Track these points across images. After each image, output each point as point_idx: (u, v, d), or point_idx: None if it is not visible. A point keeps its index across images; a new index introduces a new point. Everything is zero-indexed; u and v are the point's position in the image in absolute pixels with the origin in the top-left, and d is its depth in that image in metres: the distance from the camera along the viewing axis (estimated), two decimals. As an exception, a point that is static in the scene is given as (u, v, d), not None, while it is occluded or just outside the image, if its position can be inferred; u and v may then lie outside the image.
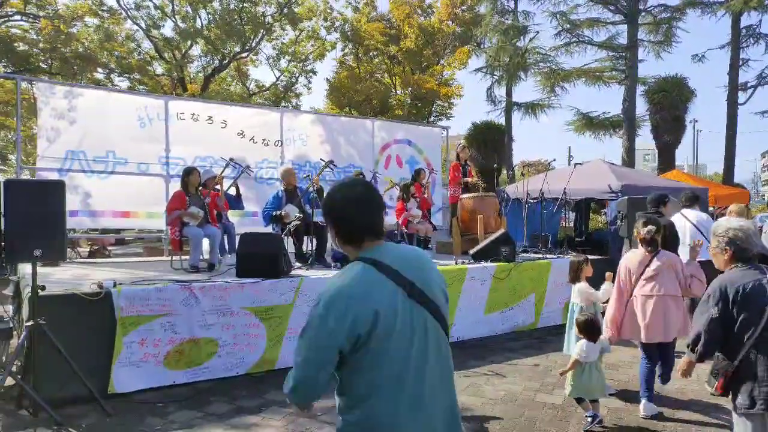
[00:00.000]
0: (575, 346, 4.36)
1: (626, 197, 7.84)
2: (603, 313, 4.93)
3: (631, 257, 4.57)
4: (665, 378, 4.66)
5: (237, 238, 6.81)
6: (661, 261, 4.39)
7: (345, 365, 1.69)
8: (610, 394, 4.93)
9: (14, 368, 4.40)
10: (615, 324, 4.54)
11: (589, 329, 4.30)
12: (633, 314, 4.45)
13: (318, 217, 7.27)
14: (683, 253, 5.63)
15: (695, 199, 7.19)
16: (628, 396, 4.95)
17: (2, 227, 4.17)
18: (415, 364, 1.70)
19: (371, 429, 1.68)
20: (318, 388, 1.68)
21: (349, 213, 1.78)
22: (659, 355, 4.55)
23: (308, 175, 8.06)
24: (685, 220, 6.93)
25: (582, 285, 5.06)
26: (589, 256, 6.10)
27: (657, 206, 6.35)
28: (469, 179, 9.37)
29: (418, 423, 1.70)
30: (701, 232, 6.85)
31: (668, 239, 6.06)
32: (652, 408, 4.47)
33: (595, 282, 5.20)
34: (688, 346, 2.86)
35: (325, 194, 1.86)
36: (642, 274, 4.41)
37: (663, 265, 4.37)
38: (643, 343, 4.50)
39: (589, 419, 4.26)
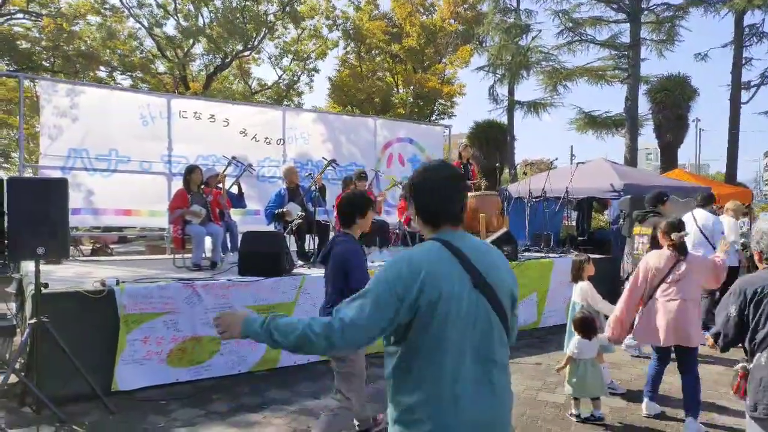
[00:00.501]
0: (570, 342, 4.38)
1: (628, 196, 7.84)
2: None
3: (654, 258, 4.33)
4: (694, 409, 4.10)
5: (239, 237, 6.82)
6: (688, 265, 4.19)
7: (405, 345, 1.67)
8: (617, 393, 4.94)
9: (17, 366, 4.41)
10: (620, 324, 4.34)
11: (585, 327, 4.33)
12: (650, 317, 4.26)
13: (320, 216, 7.27)
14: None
15: (709, 200, 7.14)
16: (631, 395, 4.95)
17: (5, 225, 4.18)
18: (480, 354, 1.68)
19: (433, 417, 1.64)
20: (361, 339, 1.65)
21: (429, 195, 1.78)
22: (684, 371, 4.22)
23: (310, 174, 8.06)
24: (693, 221, 6.93)
25: (584, 284, 5.06)
26: (591, 255, 6.12)
27: (655, 204, 6.38)
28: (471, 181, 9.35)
29: (484, 414, 1.67)
30: (704, 235, 6.83)
31: (657, 239, 6.10)
32: (654, 407, 4.46)
33: (597, 281, 5.21)
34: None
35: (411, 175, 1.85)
36: (666, 277, 4.21)
37: (689, 270, 4.18)
38: (658, 346, 4.33)
39: (573, 418, 4.33)
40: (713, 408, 4.64)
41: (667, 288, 4.21)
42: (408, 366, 1.69)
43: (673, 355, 4.37)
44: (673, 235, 4.25)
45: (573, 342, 4.35)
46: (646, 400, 4.48)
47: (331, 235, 7.59)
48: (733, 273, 6.19)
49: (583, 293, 5.02)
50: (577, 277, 5.13)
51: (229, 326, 1.73)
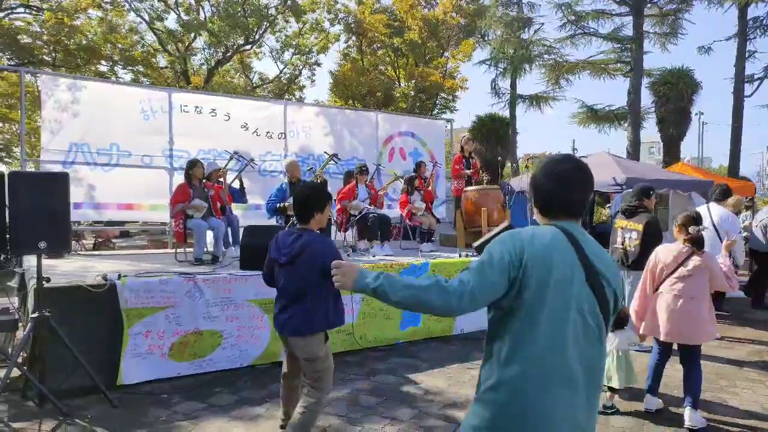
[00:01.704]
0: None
1: (630, 190, 7.79)
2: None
3: (665, 252, 4.28)
4: (692, 400, 4.10)
5: (241, 231, 6.82)
6: (697, 262, 4.11)
7: (509, 332, 1.68)
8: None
9: (20, 359, 4.43)
10: (638, 317, 4.37)
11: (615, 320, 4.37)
12: (654, 310, 4.24)
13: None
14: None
15: (726, 194, 6.91)
16: (629, 390, 4.94)
17: (7, 219, 4.18)
18: (576, 344, 1.66)
19: (535, 410, 1.63)
20: (481, 299, 1.65)
21: (547, 186, 1.80)
22: (686, 364, 4.21)
23: (312, 168, 8.07)
24: (708, 216, 6.66)
25: None
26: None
27: (641, 198, 6.10)
28: (469, 171, 9.32)
29: (580, 416, 1.66)
30: (717, 233, 6.57)
31: (650, 236, 5.86)
32: (655, 401, 4.42)
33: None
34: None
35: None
36: (674, 271, 4.16)
37: (701, 268, 4.10)
38: (658, 341, 4.32)
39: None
40: (715, 402, 4.63)
41: (675, 283, 4.16)
42: (503, 346, 1.70)
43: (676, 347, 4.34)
44: (690, 229, 4.19)
45: (610, 335, 4.38)
46: (647, 394, 4.45)
47: (333, 228, 7.60)
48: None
49: None
50: None
51: (345, 275, 1.75)
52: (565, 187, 1.79)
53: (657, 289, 4.26)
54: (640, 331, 4.38)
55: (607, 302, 1.71)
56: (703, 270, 4.11)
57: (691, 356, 4.18)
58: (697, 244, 4.15)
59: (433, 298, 1.62)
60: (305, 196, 3.44)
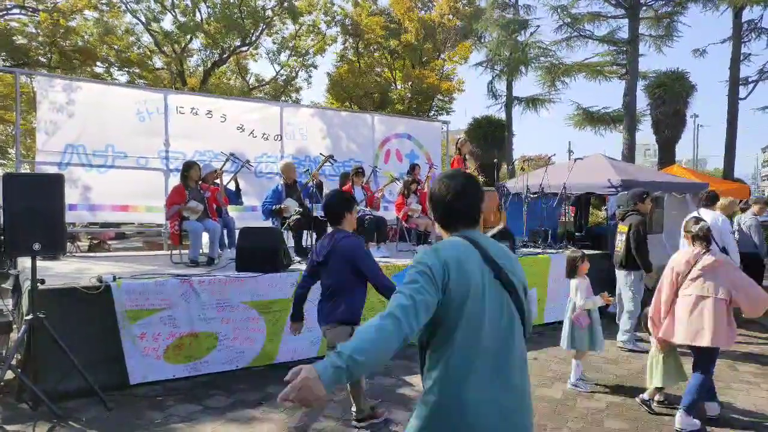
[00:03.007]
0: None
1: (626, 192, 7.82)
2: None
3: (678, 258, 4.37)
4: (688, 401, 4.13)
5: (237, 233, 6.81)
6: (708, 261, 4.15)
7: (437, 337, 1.78)
8: (583, 391, 4.98)
9: (14, 362, 4.41)
10: (653, 323, 4.42)
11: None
12: (672, 314, 4.29)
13: (318, 212, 7.26)
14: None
15: (714, 199, 7.04)
16: (627, 391, 4.96)
17: (1, 221, 4.17)
18: (504, 344, 1.81)
19: (460, 402, 1.74)
20: (421, 319, 1.67)
21: (446, 200, 1.93)
22: (695, 368, 4.22)
23: (308, 170, 8.05)
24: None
25: (574, 281, 5.09)
26: (588, 252, 6.14)
27: (635, 202, 6.43)
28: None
29: (509, 401, 1.78)
30: (712, 237, 6.72)
31: (632, 236, 6.20)
32: (714, 407, 4.38)
33: (594, 276, 5.23)
34: None
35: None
36: (688, 274, 4.21)
37: (710, 265, 4.13)
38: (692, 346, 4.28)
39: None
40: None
41: (689, 286, 4.20)
42: (438, 359, 1.79)
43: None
44: (693, 227, 4.32)
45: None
46: (708, 402, 4.38)
47: (329, 230, 7.60)
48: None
49: (572, 289, 5.06)
50: (571, 273, 5.15)
51: (302, 389, 1.44)
52: (461, 198, 1.92)
53: (676, 295, 4.29)
54: (659, 335, 4.37)
55: (516, 290, 1.88)
56: (717, 269, 4.11)
57: (701, 360, 4.17)
58: (703, 240, 4.27)
59: (394, 343, 1.60)
60: (336, 199, 3.90)
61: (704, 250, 4.23)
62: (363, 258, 3.70)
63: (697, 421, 4.15)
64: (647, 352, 4.75)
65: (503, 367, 1.79)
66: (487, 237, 1.96)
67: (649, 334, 4.58)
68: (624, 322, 6.45)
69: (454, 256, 1.77)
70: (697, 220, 4.46)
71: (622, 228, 6.47)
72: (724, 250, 6.45)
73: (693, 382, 4.15)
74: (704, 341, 4.02)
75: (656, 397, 4.58)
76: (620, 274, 6.52)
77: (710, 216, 6.83)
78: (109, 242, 12.86)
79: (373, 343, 1.56)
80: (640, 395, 4.59)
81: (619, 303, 6.64)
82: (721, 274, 4.11)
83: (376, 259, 4.03)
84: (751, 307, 4.05)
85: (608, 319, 6.61)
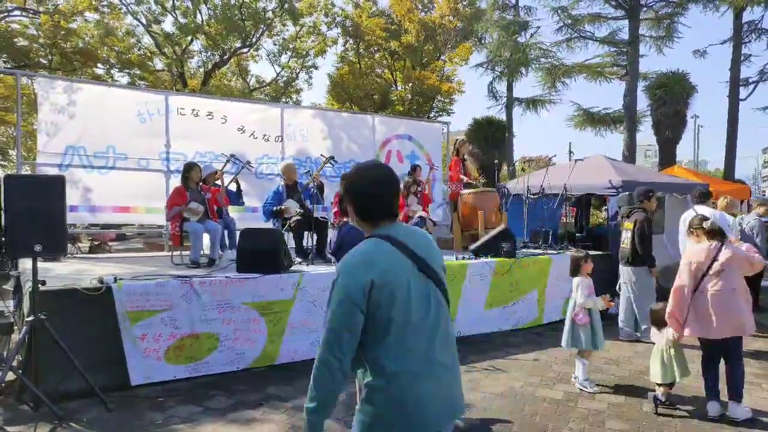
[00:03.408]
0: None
1: (626, 193, 7.83)
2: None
3: (695, 252, 4.38)
4: (737, 392, 4.30)
5: (237, 234, 6.82)
6: (728, 254, 4.24)
7: (369, 335, 1.81)
8: (589, 391, 4.97)
9: (15, 363, 4.41)
10: (674, 319, 4.40)
11: (658, 319, 4.63)
12: (700, 310, 4.27)
13: (318, 213, 7.27)
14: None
15: (707, 196, 7.17)
16: (629, 391, 4.96)
17: (2, 222, 4.17)
18: (432, 332, 1.87)
19: (401, 391, 1.81)
20: (343, 346, 1.78)
21: (365, 193, 1.93)
22: (729, 359, 4.32)
23: (308, 171, 8.06)
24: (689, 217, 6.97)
25: (576, 280, 5.09)
26: (590, 252, 6.15)
27: (641, 200, 6.66)
28: (466, 177, 9.32)
29: (441, 384, 1.88)
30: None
31: (636, 232, 6.42)
32: (718, 408, 4.36)
33: (595, 277, 5.22)
34: None
35: (343, 177, 2.06)
36: (710, 268, 4.24)
37: (730, 258, 4.22)
38: (706, 341, 4.36)
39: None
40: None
41: (714, 280, 4.24)
42: (374, 356, 1.84)
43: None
44: (705, 224, 4.42)
45: (652, 330, 4.74)
46: (712, 401, 4.38)
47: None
48: None
49: (574, 288, 5.07)
50: (575, 272, 5.16)
51: None
52: (382, 189, 1.93)
53: (696, 289, 4.31)
54: (686, 334, 4.37)
55: (439, 277, 1.95)
56: (734, 261, 4.24)
57: (735, 348, 4.29)
58: (719, 234, 4.37)
59: (334, 381, 1.79)
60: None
61: (720, 243, 4.31)
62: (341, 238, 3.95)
63: (748, 408, 4.28)
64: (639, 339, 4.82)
65: (434, 350, 1.86)
66: (406, 227, 1.98)
67: (657, 329, 4.62)
68: (641, 319, 6.59)
69: (376, 270, 1.78)
70: (703, 218, 4.55)
71: (628, 225, 6.62)
72: None
73: (737, 372, 4.27)
74: (747, 331, 4.22)
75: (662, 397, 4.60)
76: (625, 270, 6.67)
77: (707, 212, 6.94)
78: (110, 243, 12.87)
79: (317, 389, 1.80)
80: (654, 393, 4.57)
81: (622, 300, 6.71)
82: (740, 265, 4.27)
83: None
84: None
85: (608, 320, 6.61)
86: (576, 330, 4.97)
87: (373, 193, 1.92)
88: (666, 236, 9.05)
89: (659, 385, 4.55)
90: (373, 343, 1.82)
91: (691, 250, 4.48)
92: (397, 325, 1.80)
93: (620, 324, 6.77)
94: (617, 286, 6.87)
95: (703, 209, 7.01)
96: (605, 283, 6.59)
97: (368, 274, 1.78)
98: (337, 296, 1.80)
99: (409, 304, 1.82)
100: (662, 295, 7.45)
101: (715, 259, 4.25)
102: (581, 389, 4.96)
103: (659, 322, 4.59)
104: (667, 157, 17.69)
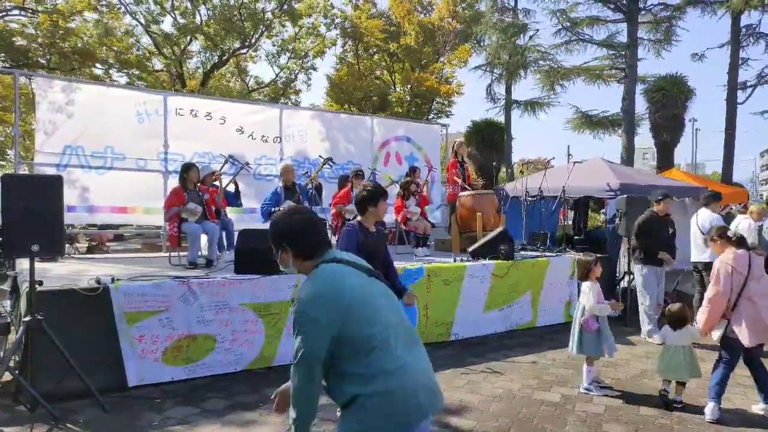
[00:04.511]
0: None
1: (625, 196, 7.84)
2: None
3: (734, 258, 4.36)
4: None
5: (235, 235, 6.81)
6: (759, 261, 4.35)
7: (343, 350, 1.93)
8: (604, 389, 5.00)
9: (12, 363, 4.40)
10: (708, 322, 4.41)
11: (672, 318, 4.74)
12: (754, 317, 4.25)
13: (318, 214, 7.26)
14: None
15: (711, 199, 7.22)
16: (626, 395, 4.96)
17: (0, 222, 4.16)
18: (396, 327, 2.03)
19: (392, 389, 1.92)
20: (316, 366, 1.94)
21: (302, 233, 2.12)
22: (757, 366, 4.41)
23: (307, 172, 8.07)
24: (696, 220, 7.20)
25: (585, 285, 5.08)
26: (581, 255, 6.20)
27: (653, 203, 6.97)
28: (460, 180, 9.32)
29: (418, 362, 2.04)
30: (703, 234, 6.93)
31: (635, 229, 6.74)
32: (717, 412, 4.36)
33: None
34: None
35: (275, 224, 2.21)
36: (749, 274, 4.28)
37: (762, 265, 4.32)
38: (730, 345, 4.36)
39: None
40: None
41: (758, 286, 4.28)
42: (352, 365, 1.95)
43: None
44: (729, 233, 4.51)
45: (663, 329, 4.85)
46: (712, 404, 4.37)
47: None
48: None
49: (583, 293, 5.05)
50: (584, 277, 5.15)
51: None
52: (311, 227, 2.14)
53: (740, 296, 4.31)
54: (745, 344, 4.31)
55: (384, 281, 2.18)
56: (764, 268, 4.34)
57: (759, 354, 4.37)
58: (744, 243, 4.48)
59: (312, 393, 1.98)
60: (360, 194, 4.29)
61: (750, 250, 4.42)
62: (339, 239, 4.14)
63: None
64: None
65: (404, 342, 2.02)
66: (337, 251, 2.16)
67: (674, 329, 4.73)
68: (642, 318, 6.84)
69: (340, 296, 1.93)
70: (723, 228, 4.67)
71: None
72: None
73: (764, 376, 4.38)
74: None
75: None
76: (635, 269, 7.03)
77: (705, 216, 7.10)
78: (108, 244, 12.81)
79: (298, 404, 2.01)
80: (675, 397, 4.65)
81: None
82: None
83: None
84: None
85: (611, 321, 6.61)
86: (585, 336, 4.94)
87: (307, 230, 2.12)
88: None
89: (678, 383, 4.68)
90: (349, 354, 1.93)
91: (729, 258, 4.40)
92: (379, 332, 1.94)
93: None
94: (618, 288, 6.96)
95: (704, 213, 7.04)
96: (603, 287, 6.59)
97: (342, 300, 1.92)
98: (307, 328, 1.92)
99: (374, 309, 1.99)
100: (679, 297, 7.53)
101: (751, 266, 4.30)
102: (585, 393, 4.95)
103: (677, 322, 4.69)
104: (665, 160, 17.73)
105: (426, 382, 2.02)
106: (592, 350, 4.94)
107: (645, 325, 6.85)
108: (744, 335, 4.26)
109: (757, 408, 4.49)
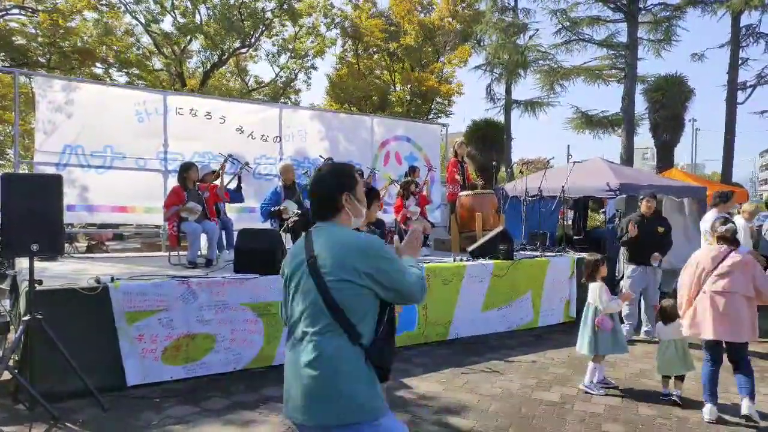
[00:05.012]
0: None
1: (624, 195, 7.85)
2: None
3: (703, 253, 4.50)
4: (749, 390, 4.28)
5: (235, 234, 6.80)
6: (736, 258, 4.27)
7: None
8: (610, 387, 5.02)
9: (11, 362, 4.39)
10: (684, 317, 4.50)
11: (662, 315, 4.83)
12: (699, 310, 4.34)
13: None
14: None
15: (720, 199, 7.06)
16: (626, 393, 4.96)
17: (-1, 221, 4.16)
18: (306, 322, 2.08)
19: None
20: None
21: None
22: (734, 361, 4.35)
23: (307, 172, 8.06)
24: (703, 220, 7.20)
25: (594, 285, 5.08)
26: (586, 255, 6.19)
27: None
28: (460, 178, 9.32)
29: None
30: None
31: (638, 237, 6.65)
32: (714, 412, 4.35)
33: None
34: None
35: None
36: (714, 270, 4.30)
37: (738, 263, 4.25)
38: (708, 342, 4.38)
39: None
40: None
41: (716, 281, 4.29)
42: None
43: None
44: (719, 229, 4.47)
45: (657, 325, 4.94)
46: (708, 405, 4.36)
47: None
48: None
49: (592, 293, 5.04)
50: (590, 277, 5.16)
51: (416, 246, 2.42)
52: (311, 194, 2.28)
53: (699, 290, 4.38)
54: (686, 332, 4.49)
55: (321, 277, 2.03)
56: (743, 267, 4.25)
57: (738, 353, 4.33)
58: (728, 240, 4.40)
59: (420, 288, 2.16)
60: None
61: (731, 248, 4.34)
62: None
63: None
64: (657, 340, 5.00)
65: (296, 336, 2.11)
66: (327, 229, 2.14)
67: (664, 323, 4.81)
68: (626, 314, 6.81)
69: (290, 255, 2.21)
70: (725, 220, 4.58)
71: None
72: None
73: (746, 375, 4.29)
74: (744, 337, 4.24)
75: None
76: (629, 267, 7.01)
77: (709, 217, 6.99)
78: (107, 243, 12.83)
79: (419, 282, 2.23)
80: (673, 391, 4.71)
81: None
82: (748, 272, 4.25)
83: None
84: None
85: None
86: (600, 336, 4.92)
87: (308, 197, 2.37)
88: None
89: (677, 378, 4.72)
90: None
91: (699, 253, 4.55)
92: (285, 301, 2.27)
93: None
94: (618, 288, 6.97)
95: (710, 214, 7.01)
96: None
97: (284, 262, 2.28)
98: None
99: (292, 291, 2.22)
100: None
101: (721, 262, 4.29)
102: (587, 392, 4.96)
103: (667, 317, 4.76)
104: (665, 160, 17.74)
105: None
106: (608, 350, 4.94)
107: (626, 322, 6.73)
108: (697, 328, 4.36)
109: (744, 408, 4.29)
